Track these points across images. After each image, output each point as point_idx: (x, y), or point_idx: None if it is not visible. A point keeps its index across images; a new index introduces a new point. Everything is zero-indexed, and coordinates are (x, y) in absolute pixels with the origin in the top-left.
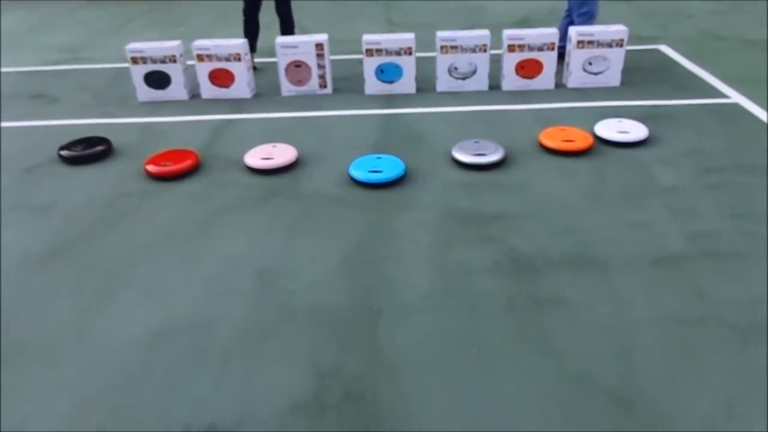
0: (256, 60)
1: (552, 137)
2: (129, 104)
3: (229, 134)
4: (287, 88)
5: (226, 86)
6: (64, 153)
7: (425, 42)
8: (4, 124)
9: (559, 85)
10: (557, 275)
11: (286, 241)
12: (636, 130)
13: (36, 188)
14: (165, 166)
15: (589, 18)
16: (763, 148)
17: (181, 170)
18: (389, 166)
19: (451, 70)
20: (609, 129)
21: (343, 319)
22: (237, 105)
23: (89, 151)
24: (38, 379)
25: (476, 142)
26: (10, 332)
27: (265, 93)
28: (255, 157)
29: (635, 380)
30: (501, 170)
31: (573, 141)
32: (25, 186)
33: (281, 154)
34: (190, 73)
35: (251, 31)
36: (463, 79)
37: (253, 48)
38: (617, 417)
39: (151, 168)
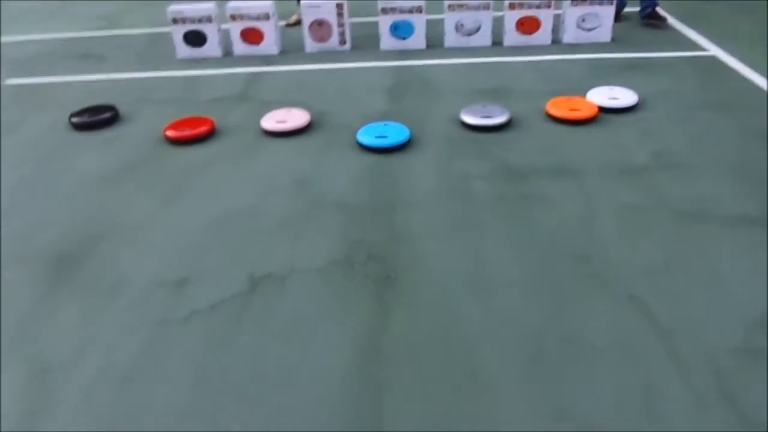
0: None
1: (558, 106)
2: (169, 61)
3: (261, 83)
4: (310, 45)
5: (256, 44)
6: (75, 120)
7: (433, 6)
8: (61, 78)
9: (555, 41)
10: (541, 180)
11: (313, 161)
12: (626, 96)
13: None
14: (183, 131)
15: None
16: (729, 90)
17: (199, 134)
18: (395, 132)
19: (458, 27)
20: (600, 95)
21: (365, 209)
22: (266, 60)
23: (100, 116)
24: (132, 248)
25: (483, 105)
26: (103, 222)
27: (291, 50)
28: (270, 121)
29: (592, 245)
30: (505, 131)
31: (579, 110)
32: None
33: (295, 117)
34: (223, 33)
35: None
36: (469, 35)
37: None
38: (577, 267)
39: (170, 133)
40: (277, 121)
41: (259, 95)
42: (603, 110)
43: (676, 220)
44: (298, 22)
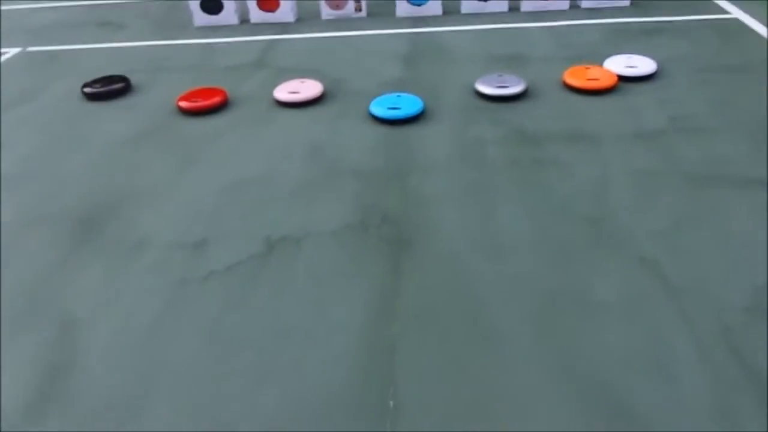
0: None
1: (576, 76)
2: (187, 29)
3: (277, 50)
4: (326, 12)
5: (272, 11)
6: (87, 90)
7: None
8: (81, 46)
9: (574, 5)
10: (555, 145)
11: (329, 128)
12: (644, 64)
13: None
14: (196, 102)
15: None
16: (751, 53)
17: (212, 105)
18: (408, 104)
19: None
20: (617, 64)
21: (380, 175)
22: (282, 27)
23: (112, 87)
24: (151, 211)
25: (499, 75)
26: (125, 183)
27: (307, 17)
28: (283, 91)
29: (605, 209)
30: (521, 101)
31: (597, 79)
32: None
33: (308, 88)
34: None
35: None
36: (485, 0)
37: None
38: (589, 229)
39: (183, 104)
40: (289, 92)
41: (276, 62)
42: (621, 79)
43: (689, 183)
44: None
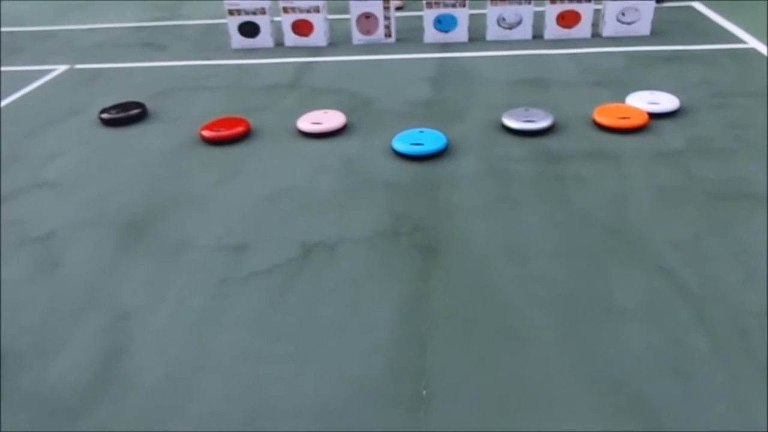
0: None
1: (606, 114)
2: (224, 50)
3: (310, 73)
4: (357, 37)
5: (306, 35)
6: (104, 116)
7: (475, 4)
8: (127, 64)
9: (595, 34)
10: (578, 162)
11: (361, 143)
12: (666, 101)
13: (163, 107)
14: (219, 131)
15: None
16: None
17: (235, 135)
18: (431, 140)
19: (500, 21)
20: (639, 100)
21: (411, 188)
22: (315, 51)
23: (131, 112)
24: (196, 215)
25: (526, 109)
26: (167, 190)
27: (339, 42)
28: (306, 122)
29: (625, 220)
30: (549, 136)
31: (628, 118)
32: (156, 106)
33: (331, 119)
34: (275, 25)
35: None
36: (510, 28)
37: None
38: (609, 240)
39: (206, 133)
40: (312, 123)
41: (309, 83)
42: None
43: (708, 199)
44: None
